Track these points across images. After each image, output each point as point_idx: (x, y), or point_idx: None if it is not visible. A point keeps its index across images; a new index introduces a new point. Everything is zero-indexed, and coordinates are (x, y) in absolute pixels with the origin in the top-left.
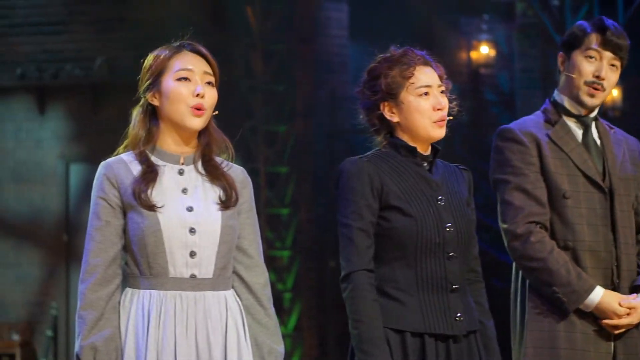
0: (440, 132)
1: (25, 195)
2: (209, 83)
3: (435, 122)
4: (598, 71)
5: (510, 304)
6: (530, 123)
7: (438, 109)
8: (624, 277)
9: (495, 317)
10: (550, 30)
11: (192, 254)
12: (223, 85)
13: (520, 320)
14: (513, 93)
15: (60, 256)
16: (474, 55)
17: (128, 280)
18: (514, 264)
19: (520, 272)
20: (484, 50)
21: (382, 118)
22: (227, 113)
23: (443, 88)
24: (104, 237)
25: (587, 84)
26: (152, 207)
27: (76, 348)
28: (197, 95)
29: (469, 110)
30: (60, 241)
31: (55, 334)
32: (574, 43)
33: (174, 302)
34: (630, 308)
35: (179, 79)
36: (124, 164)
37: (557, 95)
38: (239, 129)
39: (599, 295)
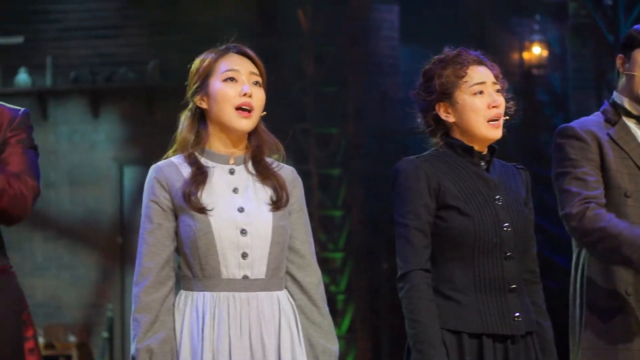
0: (495, 133)
1: (80, 197)
2: (256, 83)
3: (490, 122)
4: None
5: (570, 305)
6: (591, 122)
7: (493, 107)
8: None
9: (552, 318)
10: (603, 30)
11: (244, 255)
12: (274, 88)
13: (579, 321)
14: (566, 94)
15: (115, 258)
16: (526, 55)
17: (182, 283)
18: (573, 265)
19: (580, 273)
20: (536, 51)
21: (438, 119)
22: (278, 115)
23: (498, 87)
24: (156, 239)
25: None
26: (202, 210)
27: (132, 351)
28: (244, 94)
29: (521, 112)
30: (114, 243)
31: (111, 336)
32: (634, 43)
33: (227, 303)
34: None
35: (226, 80)
36: (174, 166)
37: (616, 96)
38: (291, 131)
39: None
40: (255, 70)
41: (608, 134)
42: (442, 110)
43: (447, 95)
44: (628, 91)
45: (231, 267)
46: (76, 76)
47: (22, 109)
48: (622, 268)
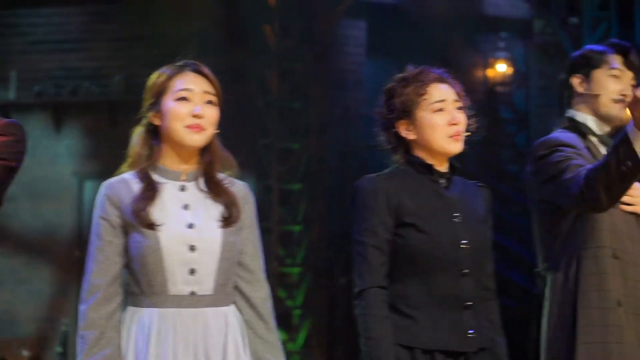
0: (456, 147)
1: (40, 211)
2: (209, 102)
3: (450, 137)
4: (624, 90)
5: (546, 311)
6: (566, 137)
7: (453, 124)
8: None
9: (507, 334)
10: (567, 48)
11: (192, 271)
12: (238, 103)
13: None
14: (529, 111)
15: (72, 272)
16: (490, 73)
17: (129, 299)
18: (549, 275)
19: (567, 277)
20: (501, 68)
21: (399, 136)
22: (242, 130)
23: (460, 104)
24: (105, 256)
25: (615, 101)
26: (151, 226)
27: None
28: (195, 115)
29: (484, 128)
30: (72, 257)
31: (65, 350)
32: (594, 63)
33: (173, 319)
34: None
35: (179, 99)
36: (125, 183)
37: (575, 115)
38: (254, 146)
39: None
40: (210, 89)
41: (587, 147)
42: (402, 128)
43: (407, 113)
44: (592, 110)
45: (178, 283)
46: (40, 90)
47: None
48: (613, 278)
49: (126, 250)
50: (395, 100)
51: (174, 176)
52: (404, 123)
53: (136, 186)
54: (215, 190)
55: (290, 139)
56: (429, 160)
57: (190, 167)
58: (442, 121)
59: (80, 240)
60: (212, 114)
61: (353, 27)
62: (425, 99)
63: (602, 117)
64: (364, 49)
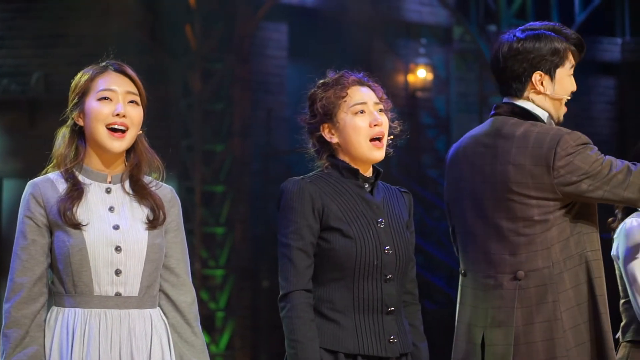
0: (377, 154)
1: None
2: (132, 102)
3: (372, 142)
4: None
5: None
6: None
7: (375, 125)
8: None
9: (429, 338)
10: (487, 55)
11: (118, 272)
12: (160, 104)
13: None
14: (449, 117)
15: None
16: (411, 78)
17: (54, 299)
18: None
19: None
20: (421, 74)
21: (323, 140)
22: (164, 131)
23: (381, 106)
24: (29, 255)
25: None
26: (77, 225)
27: None
28: (117, 114)
29: (405, 134)
30: None
31: None
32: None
33: (98, 320)
34: None
35: (101, 99)
36: (50, 182)
37: (532, 107)
38: (176, 147)
39: None
40: (133, 89)
41: None
42: (326, 131)
43: (329, 116)
44: (550, 110)
45: (104, 284)
46: None
47: None
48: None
49: (51, 250)
50: (317, 104)
51: (99, 178)
52: (327, 127)
53: (62, 186)
54: (140, 193)
55: (213, 141)
56: (353, 164)
57: (116, 168)
58: (363, 123)
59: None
60: (135, 114)
61: (274, 30)
62: (345, 101)
63: (556, 120)
64: (286, 51)
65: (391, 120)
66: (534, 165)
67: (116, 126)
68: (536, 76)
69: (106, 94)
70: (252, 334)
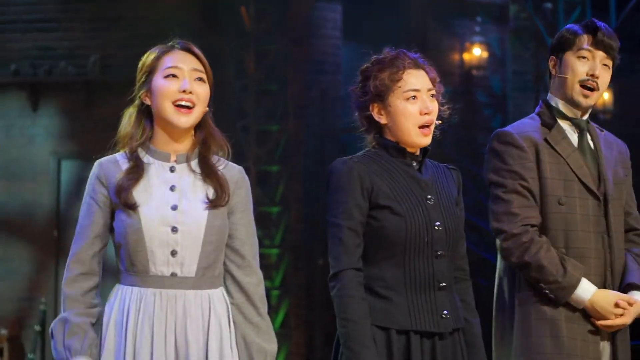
0: (424, 140)
1: (17, 191)
2: (199, 79)
3: (420, 128)
4: (592, 70)
5: (494, 304)
6: (528, 127)
7: (425, 113)
8: (618, 283)
9: (481, 315)
10: (543, 33)
11: (174, 253)
12: (215, 85)
13: (507, 324)
14: (505, 95)
15: (50, 252)
16: (466, 57)
17: (117, 277)
18: (498, 265)
19: (505, 273)
20: (477, 52)
21: (371, 119)
22: (219, 112)
23: (433, 92)
24: (89, 234)
25: (581, 83)
26: (132, 206)
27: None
28: (184, 91)
29: (460, 112)
30: (50, 237)
31: (43, 329)
32: (565, 45)
33: (153, 298)
34: (630, 304)
35: (167, 76)
36: (115, 163)
37: (550, 98)
38: (231, 128)
39: (589, 291)
40: (199, 67)
41: (545, 139)
42: (375, 111)
43: (380, 98)
44: (561, 93)
45: (159, 264)
46: (16, 69)
47: None
48: (550, 264)
49: (112, 229)
50: (370, 82)
51: (164, 157)
52: (376, 106)
53: (125, 166)
54: (206, 171)
55: (267, 121)
56: (401, 144)
57: (182, 147)
58: (414, 110)
59: (58, 220)
60: (202, 91)
61: (329, 10)
62: (399, 86)
63: (569, 101)
64: (340, 32)
65: (441, 105)
66: None
67: (183, 102)
68: None
69: (172, 71)
70: (306, 312)
